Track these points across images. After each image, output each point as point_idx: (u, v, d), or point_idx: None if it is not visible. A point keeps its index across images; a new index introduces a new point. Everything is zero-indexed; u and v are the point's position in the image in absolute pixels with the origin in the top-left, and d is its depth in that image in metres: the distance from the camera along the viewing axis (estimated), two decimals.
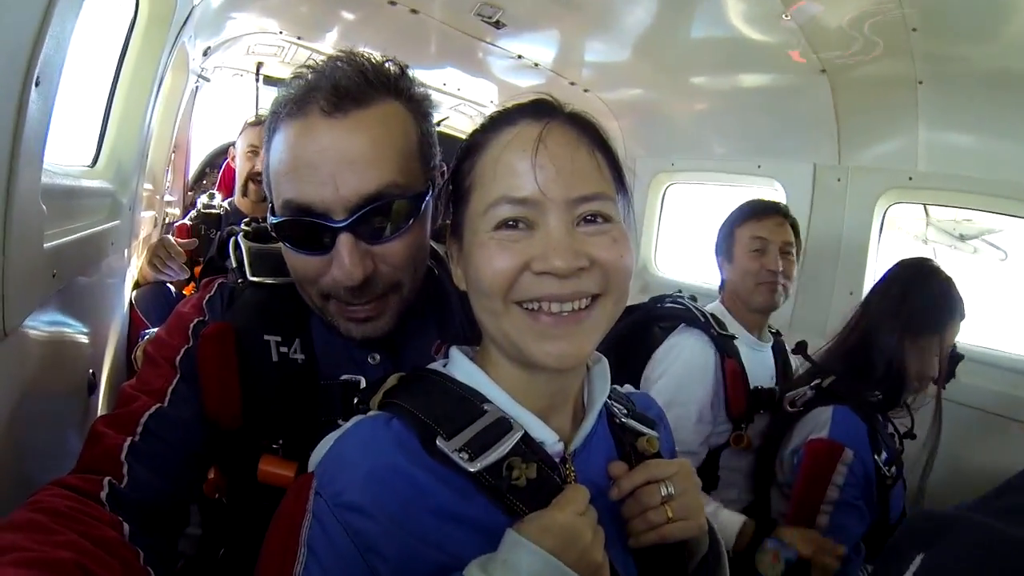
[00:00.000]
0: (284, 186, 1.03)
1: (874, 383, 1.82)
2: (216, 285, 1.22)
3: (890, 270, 1.93)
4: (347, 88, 1.00)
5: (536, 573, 0.73)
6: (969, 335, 2.49)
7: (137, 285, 2.39)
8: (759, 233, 2.15)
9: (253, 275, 1.19)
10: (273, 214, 1.07)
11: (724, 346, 2.07)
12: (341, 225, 1.00)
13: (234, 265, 1.22)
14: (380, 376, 1.00)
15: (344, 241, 1.01)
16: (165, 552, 0.99)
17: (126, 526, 0.90)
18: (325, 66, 1.04)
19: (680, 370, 2.06)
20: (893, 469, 1.76)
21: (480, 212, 0.84)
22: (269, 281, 1.18)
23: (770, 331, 2.27)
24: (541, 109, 0.87)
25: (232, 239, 1.26)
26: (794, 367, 2.25)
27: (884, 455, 1.76)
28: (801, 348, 2.05)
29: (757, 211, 2.20)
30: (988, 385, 2.34)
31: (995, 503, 0.67)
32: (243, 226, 1.30)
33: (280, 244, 1.12)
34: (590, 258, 0.81)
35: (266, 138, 1.09)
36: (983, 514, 0.64)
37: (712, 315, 2.14)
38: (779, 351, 2.29)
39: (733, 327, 2.16)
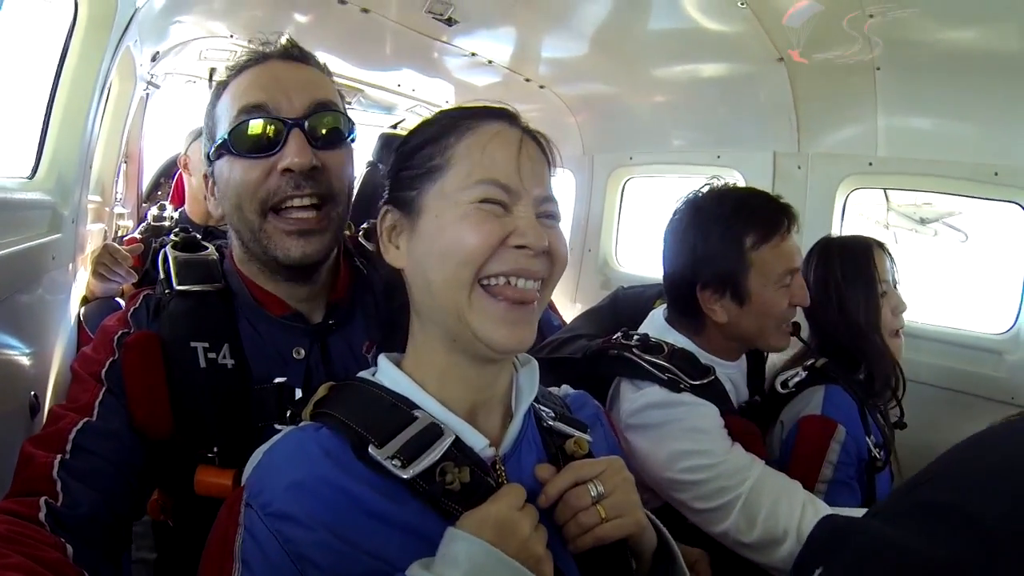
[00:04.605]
0: (240, 99, 1.15)
1: (858, 369, 1.80)
2: (141, 297, 1.24)
3: (815, 261, 1.88)
4: (297, 49, 1.23)
5: (478, 564, 0.74)
6: (932, 316, 2.52)
7: (86, 301, 2.31)
8: (793, 263, 1.60)
9: (179, 284, 1.20)
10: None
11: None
12: (293, 121, 1.14)
13: (162, 276, 1.24)
14: (303, 372, 1.18)
15: (295, 133, 1.13)
16: (109, 573, 0.98)
17: (69, 547, 0.89)
18: (261, 45, 1.23)
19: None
20: (882, 453, 1.71)
21: (462, 186, 0.89)
22: (196, 288, 1.20)
23: None
24: (515, 120, 0.97)
25: (162, 251, 1.29)
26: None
27: (873, 438, 1.71)
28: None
29: (779, 222, 1.59)
30: (955, 365, 2.37)
31: (904, 500, 0.67)
32: (172, 237, 1.33)
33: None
34: (549, 245, 0.89)
35: (213, 97, 1.22)
36: (887, 516, 0.63)
37: (680, 357, 1.57)
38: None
39: (706, 360, 1.61)
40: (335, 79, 1.31)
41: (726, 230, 1.58)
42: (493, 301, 0.87)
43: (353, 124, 1.24)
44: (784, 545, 1.37)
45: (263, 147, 1.13)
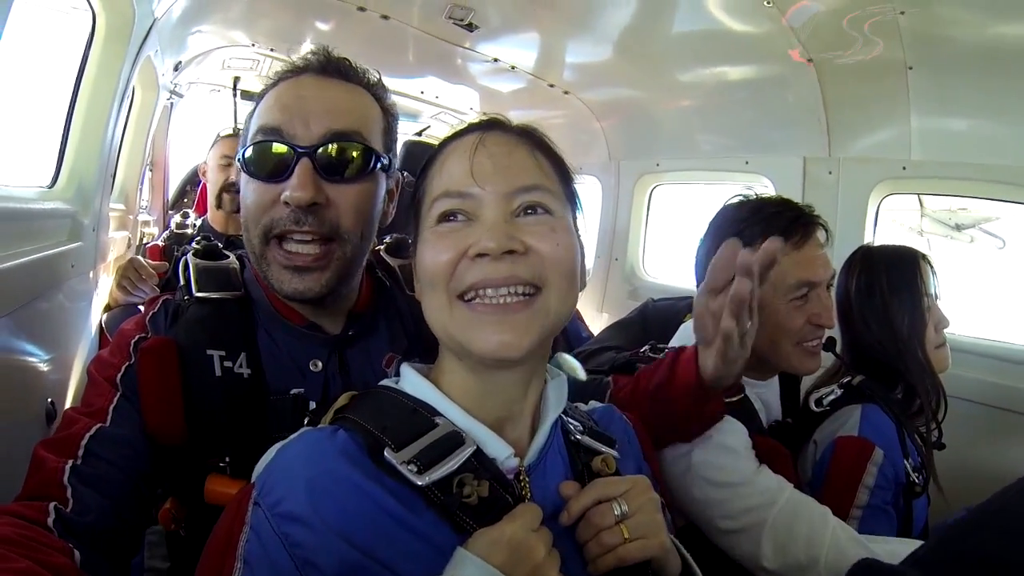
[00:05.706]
0: (260, 117, 1.13)
1: (896, 386, 1.70)
2: (160, 302, 1.22)
3: (858, 270, 1.76)
4: (337, 63, 1.17)
5: None
6: (970, 327, 2.42)
7: (108, 308, 2.31)
8: (807, 275, 1.53)
9: (199, 291, 1.19)
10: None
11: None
12: (303, 150, 1.08)
13: (182, 283, 1.23)
14: (322, 384, 1.16)
15: (302, 164, 1.08)
16: None
17: (77, 553, 0.87)
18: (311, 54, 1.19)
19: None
20: (920, 477, 1.61)
21: (427, 212, 0.90)
22: (215, 296, 1.19)
23: None
24: (484, 124, 0.94)
25: (183, 258, 1.28)
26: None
27: (912, 461, 1.60)
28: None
29: (793, 231, 1.53)
30: (995, 379, 2.26)
31: (947, 549, 0.63)
32: (194, 244, 1.31)
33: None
34: (524, 245, 0.84)
35: (254, 105, 1.20)
36: (928, 566, 0.59)
37: None
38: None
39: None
40: None
41: (736, 235, 1.46)
42: (471, 309, 0.85)
43: (381, 154, 1.17)
44: (810, 574, 1.30)
45: (272, 173, 1.10)
